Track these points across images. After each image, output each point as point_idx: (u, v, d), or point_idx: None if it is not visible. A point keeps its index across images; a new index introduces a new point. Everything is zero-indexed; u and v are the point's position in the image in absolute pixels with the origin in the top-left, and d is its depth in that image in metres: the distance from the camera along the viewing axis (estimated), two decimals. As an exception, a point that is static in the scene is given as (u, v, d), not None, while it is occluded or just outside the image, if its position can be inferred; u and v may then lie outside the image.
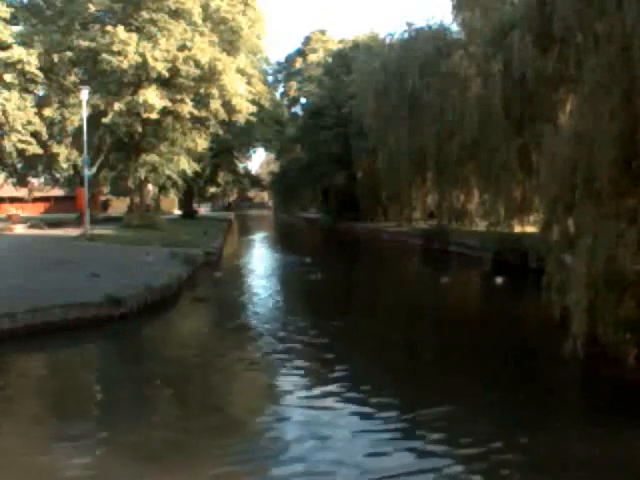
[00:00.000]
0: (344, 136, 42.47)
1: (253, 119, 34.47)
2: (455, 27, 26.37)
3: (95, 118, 27.87)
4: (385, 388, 8.08)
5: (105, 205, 51.12)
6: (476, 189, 24.79)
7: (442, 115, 23.06)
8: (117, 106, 27.57)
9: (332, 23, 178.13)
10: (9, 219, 35.67)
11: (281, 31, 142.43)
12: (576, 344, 7.83)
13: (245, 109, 31.59)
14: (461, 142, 21.19)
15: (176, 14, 28.75)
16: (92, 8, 28.00)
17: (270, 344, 10.27)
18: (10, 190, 44.47)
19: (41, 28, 28.92)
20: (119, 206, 48.17)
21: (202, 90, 29.59)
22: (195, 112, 29.65)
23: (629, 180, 8.18)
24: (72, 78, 29.83)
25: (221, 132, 33.51)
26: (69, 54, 28.48)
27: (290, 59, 64.24)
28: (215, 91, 29.54)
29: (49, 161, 31.53)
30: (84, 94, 25.14)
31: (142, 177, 32.92)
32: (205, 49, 28.61)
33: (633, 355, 7.91)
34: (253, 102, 33.43)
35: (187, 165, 33.05)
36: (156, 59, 27.31)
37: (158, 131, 30.95)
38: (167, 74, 28.01)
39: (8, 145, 27.79)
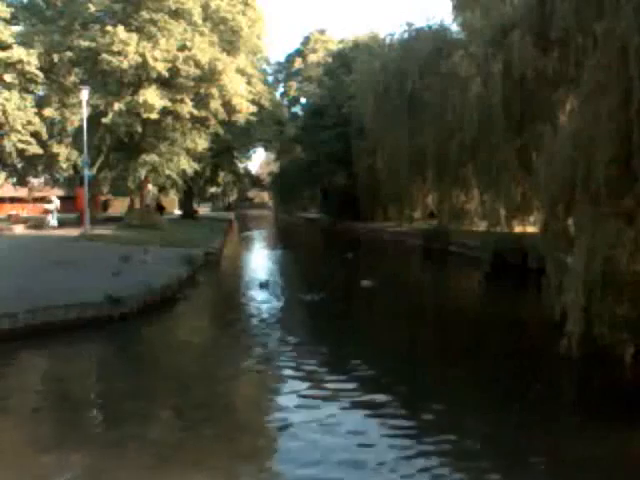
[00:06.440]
0: (344, 136, 42.43)
1: (253, 119, 34.47)
2: (455, 27, 26.34)
3: (95, 118, 27.86)
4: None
5: (105, 205, 51.06)
6: (476, 189, 24.72)
7: (442, 115, 22.98)
8: (117, 106, 27.56)
9: (332, 23, 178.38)
10: (9, 219, 35.67)
11: (281, 31, 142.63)
12: (571, 343, 7.85)
13: (245, 109, 31.59)
14: (461, 142, 21.13)
15: (176, 14, 28.74)
16: (92, 8, 27.99)
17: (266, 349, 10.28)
18: (10, 190, 44.44)
19: (41, 28, 28.92)
20: (119, 206, 48.11)
21: (202, 90, 29.59)
22: (195, 112, 29.64)
23: (627, 180, 8.19)
24: (72, 78, 29.81)
25: (221, 132, 33.48)
26: (69, 54, 28.47)
27: (290, 59, 64.18)
28: (215, 91, 29.54)
29: (49, 161, 31.53)
30: (84, 94, 25.14)
31: (142, 177, 32.91)
32: (205, 49, 28.62)
33: (630, 354, 7.93)
34: (253, 102, 33.42)
35: (187, 165, 33.00)
36: (156, 59, 27.31)
37: (158, 131, 30.93)
38: (167, 74, 28.01)
39: (8, 145, 27.78)
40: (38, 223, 31.30)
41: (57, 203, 33.73)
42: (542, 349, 9.91)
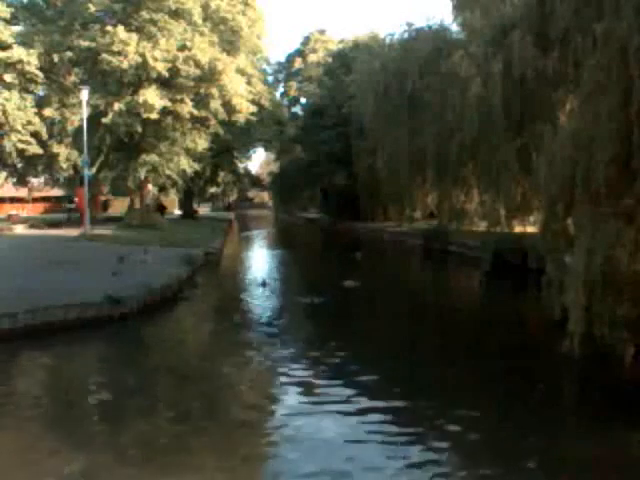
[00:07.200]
0: (344, 136, 42.42)
1: (253, 119, 34.46)
2: (455, 27, 26.33)
3: (95, 118, 27.88)
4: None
5: (105, 205, 51.10)
6: (476, 189, 24.71)
7: (442, 115, 22.97)
8: (117, 106, 27.58)
9: (332, 23, 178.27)
10: (9, 219, 35.71)
11: (281, 31, 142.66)
12: (572, 342, 7.85)
13: (245, 109, 31.60)
14: (461, 142, 21.11)
15: (176, 14, 28.76)
16: (92, 8, 28.01)
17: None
18: (10, 190, 44.50)
19: (41, 28, 28.95)
20: (119, 206, 48.16)
21: (202, 90, 29.60)
22: (195, 112, 29.65)
23: (627, 180, 8.19)
24: (72, 78, 29.86)
25: (221, 132, 33.48)
26: (69, 54, 28.50)
27: (290, 59, 64.16)
28: (215, 91, 29.55)
29: (49, 161, 31.58)
30: (84, 94, 25.16)
31: (142, 177, 32.92)
32: (205, 49, 28.63)
33: (630, 354, 7.93)
34: (253, 102, 33.43)
35: (187, 165, 33.02)
36: (156, 59, 27.32)
37: (158, 131, 30.93)
38: (167, 74, 28.02)
39: (8, 145, 27.82)
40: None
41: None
42: (542, 348, 9.91)
